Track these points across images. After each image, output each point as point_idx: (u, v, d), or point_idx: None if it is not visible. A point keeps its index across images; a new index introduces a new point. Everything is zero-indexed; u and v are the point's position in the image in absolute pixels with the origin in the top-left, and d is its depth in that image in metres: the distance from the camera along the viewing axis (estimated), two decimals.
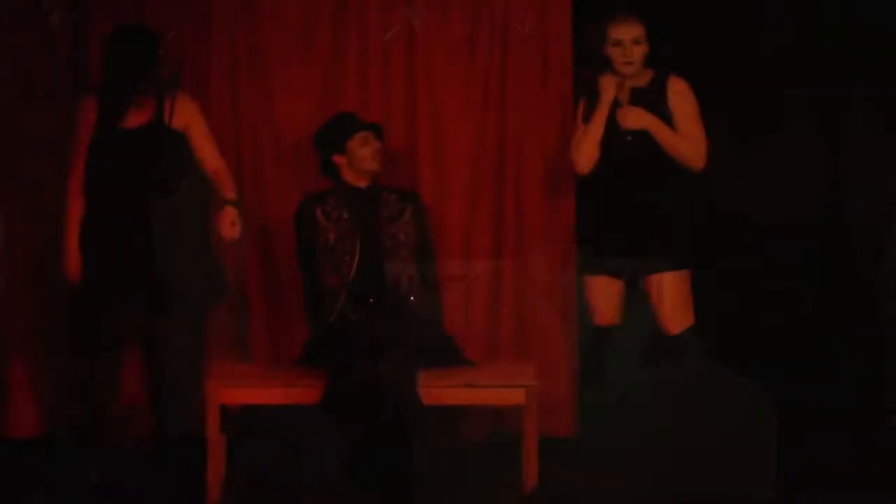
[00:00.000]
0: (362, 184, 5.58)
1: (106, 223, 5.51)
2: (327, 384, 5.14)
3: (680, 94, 5.59)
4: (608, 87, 5.57)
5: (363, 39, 6.11)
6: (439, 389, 5.27)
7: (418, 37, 6.11)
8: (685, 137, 5.54)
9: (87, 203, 5.54)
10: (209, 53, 6.09)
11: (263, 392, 5.37)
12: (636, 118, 5.52)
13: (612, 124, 5.57)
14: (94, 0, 6.05)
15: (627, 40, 5.50)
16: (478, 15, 6.12)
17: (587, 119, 5.62)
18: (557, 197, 6.13)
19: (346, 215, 5.53)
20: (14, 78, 6.01)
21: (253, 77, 6.12)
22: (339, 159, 5.58)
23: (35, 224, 6.01)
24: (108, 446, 5.65)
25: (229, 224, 5.45)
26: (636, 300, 5.71)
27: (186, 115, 5.56)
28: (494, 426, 6.10)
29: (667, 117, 5.55)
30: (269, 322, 6.14)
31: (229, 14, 6.10)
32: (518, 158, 6.12)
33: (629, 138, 5.55)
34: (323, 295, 5.51)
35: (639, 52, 5.51)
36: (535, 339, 6.12)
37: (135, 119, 5.51)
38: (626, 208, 5.59)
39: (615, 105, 5.57)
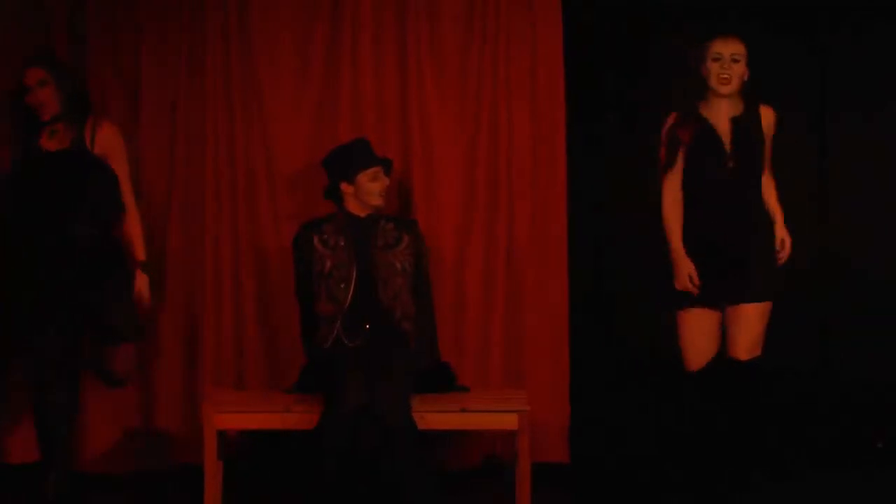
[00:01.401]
0: (362, 213, 5.60)
1: (29, 247, 5.51)
2: (322, 410, 5.17)
3: (770, 125, 5.50)
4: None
5: (356, 67, 6.16)
6: (433, 414, 5.31)
7: (411, 64, 6.16)
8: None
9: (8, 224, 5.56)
10: (203, 83, 6.13)
11: (259, 418, 5.39)
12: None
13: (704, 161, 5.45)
14: (93, 34, 6.11)
15: (726, 55, 5.38)
16: (469, 42, 6.17)
17: (669, 164, 5.48)
18: (549, 222, 6.17)
19: (342, 243, 5.56)
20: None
21: (247, 106, 6.17)
22: (346, 188, 5.58)
23: None
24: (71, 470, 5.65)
25: (143, 291, 5.59)
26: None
27: (107, 141, 5.58)
28: (488, 451, 6.13)
29: (762, 145, 5.46)
30: (266, 348, 6.17)
31: (223, 43, 6.15)
32: (510, 184, 6.17)
33: (730, 165, 5.41)
34: (319, 322, 5.53)
35: (737, 70, 5.39)
36: (527, 365, 6.16)
37: (55, 143, 5.55)
38: (718, 240, 5.44)
39: (712, 139, 5.43)
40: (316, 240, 5.56)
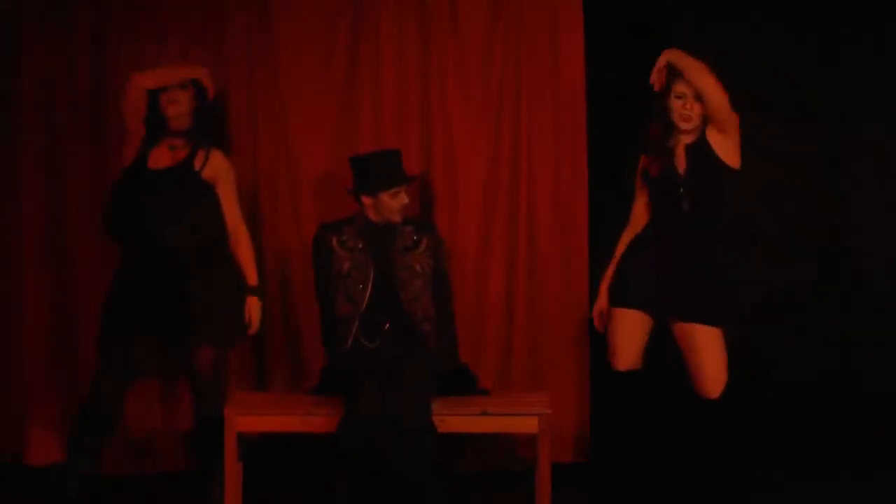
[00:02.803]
0: (381, 221, 5.63)
1: (137, 260, 5.64)
2: (342, 413, 5.19)
3: (718, 143, 5.53)
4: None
5: (378, 73, 6.18)
6: (454, 417, 5.33)
7: (433, 68, 6.18)
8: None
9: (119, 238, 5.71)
10: (227, 88, 6.15)
11: (280, 420, 5.41)
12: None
13: (667, 181, 5.53)
14: (115, 41, 6.13)
15: (689, 94, 5.46)
16: (491, 48, 6.18)
17: (645, 176, 5.59)
18: (570, 226, 6.18)
19: (361, 245, 5.57)
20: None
21: (269, 110, 6.19)
22: (365, 199, 5.58)
23: (58, 256, 6.13)
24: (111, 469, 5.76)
25: (253, 317, 5.69)
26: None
27: (217, 170, 5.68)
28: (508, 454, 6.14)
29: (721, 170, 5.50)
30: (287, 350, 6.19)
31: (246, 49, 6.17)
32: (531, 189, 6.18)
33: (681, 191, 5.49)
34: (337, 323, 5.55)
35: (698, 108, 5.46)
36: (548, 367, 6.17)
37: (164, 160, 5.64)
38: (670, 251, 5.51)
39: (667, 158, 5.53)
40: (334, 241, 5.58)
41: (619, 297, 5.55)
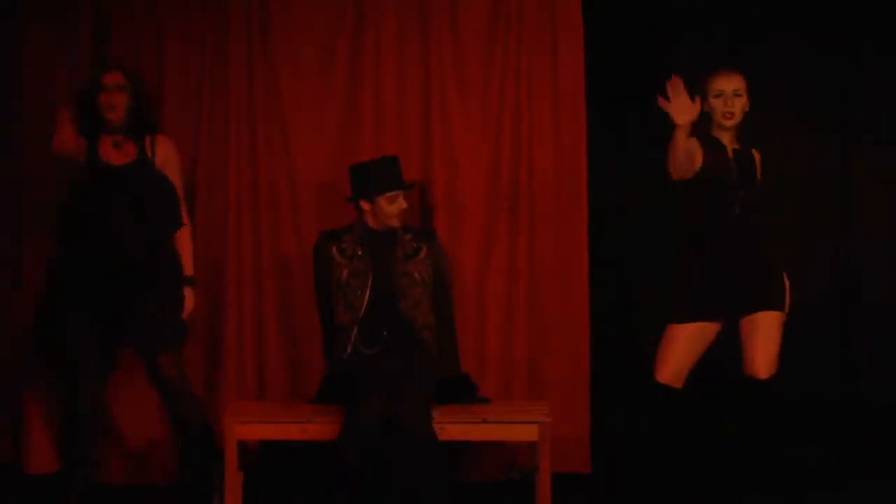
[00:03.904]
0: (380, 228, 5.62)
1: (86, 257, 5.54)
2: (342, 421, 5.18)
3: (758, 167, 5.59)
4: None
5: (379, 79, 6.17)
6: (454, 425, 5.32)
7: (433, 77, 6.17)
8: None
9: (67, 237, 5.59)
10: (227, 96, 6.16)
11: (280, 429, 5.41)
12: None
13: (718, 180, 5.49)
14: (117, 44, 6.15)
15: (729, 91, 5.48)
16: (491, 55, 6.18)
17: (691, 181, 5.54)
18: (571, 234, 6.17)
19: (360, 252, 5.57)
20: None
21: (269, 117, 6.19)
22: (364, 205, 5.58)
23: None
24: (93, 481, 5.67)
25: (188, 305, 5.66)
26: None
27: (166, 154, 5.64)
28: (509, 462, 6.12)
29: (756, 178, 5.55)
30: (287, 359, 6.18)
31: (246, 56, 6.17)
32: (531, 194, 6.17)
33: (741, 192, 5.48)
34: (337, 331, 5.55)
35: (739, 104, 5.50)
36: (549, 376, 6.15)
37: (118, 156, 5.59)
38: (728, 252, 5.48)
39: (720, 153, 5.50)
40: (334, 249, 5.58)
41: (684, 313, 5.48)
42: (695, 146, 5.48)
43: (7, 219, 6.19)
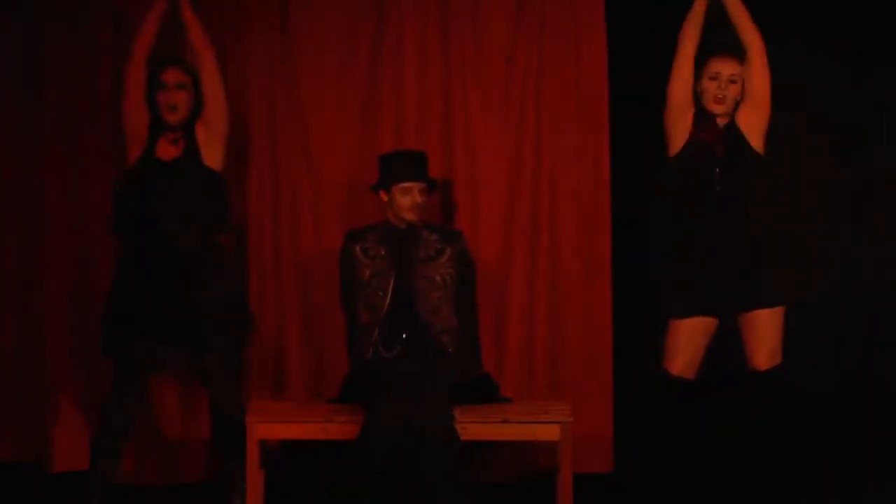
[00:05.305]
0: (402, 224, 5.61)
1: (142, 257, 5.55)
2: (363, 422, 5.18)
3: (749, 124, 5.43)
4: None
5: (400, 81, 6.17)
6: (475, 425, 5.31)
7: (454, 76, 6.17)
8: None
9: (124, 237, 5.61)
10: (248, 97, 6.16)
11: (301, 428, 5.41)
12: None
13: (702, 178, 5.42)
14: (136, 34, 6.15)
15: (724, 75, 5.36)
16: (513, 53, 6.17)
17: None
18: (593, 233, 6.16)
19: (383, 252, 5.56)
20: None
21: (290, 117, 6.19)
22: (383, 196, 5.58)
23: (78, 259, 6.15)
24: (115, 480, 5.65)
25: None
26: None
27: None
28: (530, 462, 6.11)
29: (750, 155, 5.41)
30: (309, 358, 6.19)
31: (268, 57, 6.18)
32: (553, 195, 6.16)
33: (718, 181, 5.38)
34: (358, 332, 5.55)
35: (733, 90, 5.36)
36: (571, 375, 6.14)
37: (173, 151, 5.55)
38: (722, 245, 5.42)
39: (709, 122, 5.41)
40: (357, 249, 5.57)
41: (682, 310, 5.45)
42: (689, 106, 5.38)
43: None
